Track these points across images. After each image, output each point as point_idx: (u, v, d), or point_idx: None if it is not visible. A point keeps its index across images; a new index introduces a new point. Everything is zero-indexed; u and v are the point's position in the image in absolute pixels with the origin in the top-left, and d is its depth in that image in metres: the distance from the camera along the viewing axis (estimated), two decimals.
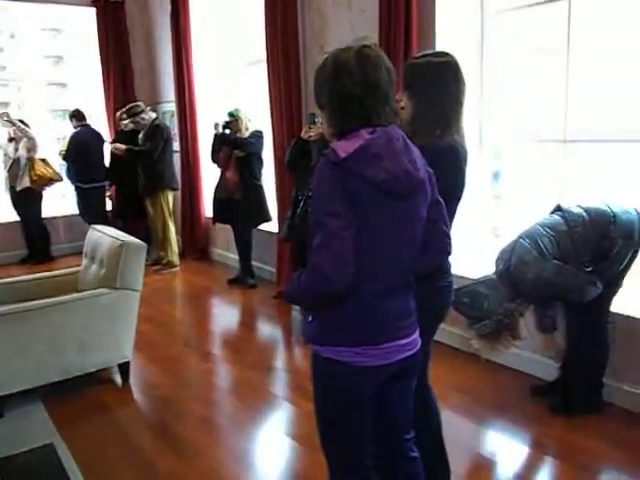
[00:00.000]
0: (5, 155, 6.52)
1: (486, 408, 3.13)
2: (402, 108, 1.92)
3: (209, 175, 6.22)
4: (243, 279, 5.55)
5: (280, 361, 4.06)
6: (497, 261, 2.89)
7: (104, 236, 3.58)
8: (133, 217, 6.39)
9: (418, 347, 1.69)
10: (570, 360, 3.08)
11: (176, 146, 6.45)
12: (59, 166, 6.74)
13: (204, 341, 4.36)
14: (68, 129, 6.61)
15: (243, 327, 4.79)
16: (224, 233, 6.19)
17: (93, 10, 6.89)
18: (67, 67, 23.39)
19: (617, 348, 2.99)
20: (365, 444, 1.70)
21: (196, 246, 6.68)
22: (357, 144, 1.45)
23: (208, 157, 5.47)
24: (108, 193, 6.60)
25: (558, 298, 2.88)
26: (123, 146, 5.83)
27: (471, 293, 2.77)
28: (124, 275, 3.36)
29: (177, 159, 6.47)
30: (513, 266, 2.75)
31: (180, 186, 6.45)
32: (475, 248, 3.79)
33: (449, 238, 1.73)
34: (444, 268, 2.00)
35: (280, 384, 3.68)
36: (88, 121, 6.55)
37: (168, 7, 6.33)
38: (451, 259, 1.98)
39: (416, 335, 1.68)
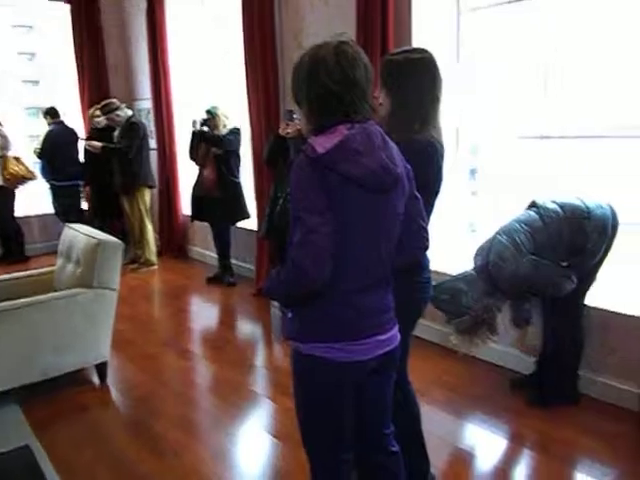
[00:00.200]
0: None
1: (465, 402, 3.17)
2: (380, 104, 1.93)
3: (187, 173, 6.17)
4: (222, 277, 5.53)
5: (260, 359, 4.05)
6: (475, 257, 2.92)
7: (80, 235, 3.53)
8: (109, 215, 6.30)
9: (397, 342, 1.70)
10: (546, 353, 3.13)
11: (153, 144, 6.38)
12: (33, 164, 6.63)
13: (183, 340, 4.33)
14: (42, 127, 6.50)
15: (222, 325, 4.77)
16: (202, 231, 6.15)
17: (67, 6, 6.78)
18: (41, 64, 23.01)
19: (592, 340, 3.05)
20: (345, 439, 1.70)
21: (174, 244, 6.63)
22: (335, 140, 1.45)
23: (186, 154, 5.43)
24: (83, 192, 6.49)
25: (535, 293, 2.92)
26: (99, 144, 5.75)
27: (450, 290, 2.80)
28: (101, 274, 3.32)
29: (154, 157, 6.40)
30: (491, 263, 2.78)
31: (157, 184, 6.39)
32: (452, 244, 3.83)
33: (427, 233, 1.74)
34: (422, 264, 2.01)
35: (260, 382, 3.67)
36: (63, 118, 6.46)
37: (143, 3, 6.26)
38: (429, 254, 2.00)
39: (395, 330, 1.69)
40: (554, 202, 2.86)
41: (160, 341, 4.22)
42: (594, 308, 3.04)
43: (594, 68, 3.31)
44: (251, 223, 5.32)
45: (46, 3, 7.01)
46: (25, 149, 6.92)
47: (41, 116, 6.58)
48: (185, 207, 6.36)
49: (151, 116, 6.59)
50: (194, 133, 5.19)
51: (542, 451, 2.70)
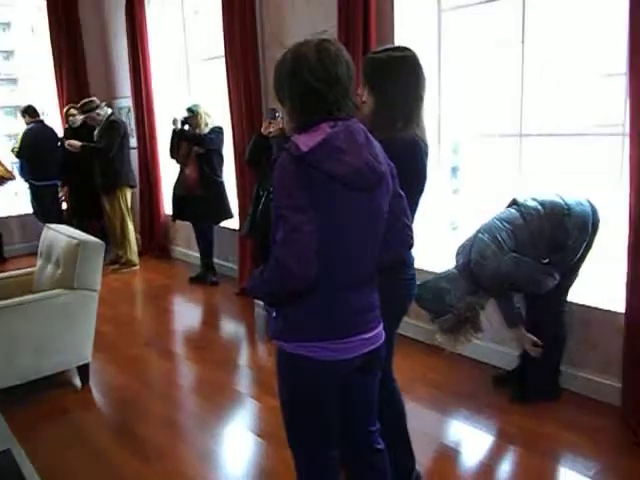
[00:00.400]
0: None
1: (449, 398, 3.18)
2: (363, 102, 1.92)
3: (168, 172, 6.12)
4: (205, 277, 5.49)
5: (243, 358, 4.04)
6: (457, 256, 2.94)
7: (60, 235, 3.48)
8: (87, 216, 6.22)
9: (382, 340, 1.70)
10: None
11: (133, 142, 6.31)
12: (11, 164, 6.52)
13: (166, 340, 4.29)
14: (20, 126, 6.40)
15: (206, 325, 4.74)
16: (184, 230, 6.11)
17: (44, 2, 6.68)
18: (18, 62, 22.63)
19: (574, 336, 3.08)
20: (331, 437, 1.70)
21: (156, 244, 6.57)
22: (319, 138, 1.45)
23: (167, 153, 5.38)
24: (60, 193, 6.38)
25: (517, 290, 2.95)
26: (78, 143, 5.66)
27: (433, 288, 2.81)
28: (81, 275, 3.27)
29: (135, 156, 6.35)
30: (473, 261, 2.80)
31: (138, 183, 6.33)
32: (434, 241, 3.84)
33: (411, 231, 1.74)
34: (407, 261, 2.01)
35: (244, 381, 3.66)
36: (42, 117, 6.36)
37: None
38: (413, 252, 2.00)
39: (380, 328, 1.69)
40: (534, 199, 2.88)
41: (143, 342, 4.18)
42: (575, 304, 3.07)
43: (572, 65, 3.35)
44: (234, 222, 5.30)
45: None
46: (2, 149, 6.79)
47: (19, 115, 6.48)
48: (167, 206, 6.31)
49: (131, 114, 6.52)
50: (175, 132, 5.15)
51: (526, 446, 2.72)
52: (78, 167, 5.93)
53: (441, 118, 3.87)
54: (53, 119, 6.80)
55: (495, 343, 3.45)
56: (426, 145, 1.95)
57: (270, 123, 4.09)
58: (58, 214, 6.27)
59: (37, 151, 6.09)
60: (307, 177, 1.44)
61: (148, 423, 3.05)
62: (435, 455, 2.73)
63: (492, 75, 3.74)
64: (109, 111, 5.86)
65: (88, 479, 2.61)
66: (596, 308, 3.03)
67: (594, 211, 2.85)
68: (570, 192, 2.91)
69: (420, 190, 1.97)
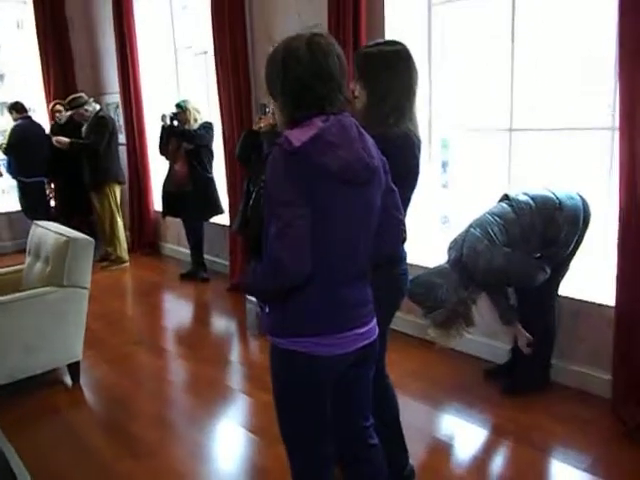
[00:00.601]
0: None
1: (441, 393, 3.19)
2: (355, 97, 1.91)
3: (157, 168, 6.08)
4: (195, 273, 5.47)
5: (235, 354, 4.03)
6: (449, 250, 2.94)
7: (49, 232, 3.44)
8: (75, 212, 6.16)
9: (376, 335, 1.70)
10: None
11: (122, 139, 6.26)
12: None
13: (157, 338, 4.27)
14: (7, 122, 6.32)
15: (197, 322, 4.72)
16: (174, 227, 6.08)
17: None
18: (4, 58, 22.35)
19: (564, 329, 3.10)
20: (325, 433, 1.70)
21: (146, 241, 6.53)
22: (311, 133, 1.44)
23: (156, 149, 5.35)
24: (48, 190, 6.32)
25: (509, 284, 2.96)
26: (66, 139, 5.61)
27: (426, 283, 2.81)
28: (71, 272, 3.24)
29: (123, 152, 6.29)
30: (465, 255, 2.80)
31: (127, 180, 6.29)
32: (424, 236, 3.85)
33: (404, 226, 1.74)
34: (399, 256, 2.01)
35: (236, 377, 3.65)
36: (30, 113, 6.30)
37: None
38: (405, 247, 2.00)
39: (373, 323, 1.68)
40: (526, 194, 2.89)
41: (134, 339, 4.15)
42: (565, 297, 3.09)
43: (562, 60, 3.36)
44: (224, 218, 5.28)
45: None
46: None
47: (5, 112, 6.41)
48: (157, 203, 6.27)
49: (120, 110, 6.47)
50: (164, 128, 5.11)
51: (517, 439, 2.74)
52: (66, 164, 5.88)
53: (432, 113, 3.87)
54: (40, 115, 6.72)
55: (486, 337, 3.47)
56: (419, 140, 1.95)
57: (260, 119, 4.08)
58: (47, 211, 6.21)
59: (26, 148, 6.02)
60: (300, 172, 1.43)
61: (139, 421, 3.04)
62: (428, 449, 2.74)
63: (482, 70, 3.74)
64: (97, 107, 5.81)
65: (79, 477, 2.59)
66: (586, 301, 3.05)
67: (585, 205, 2.86)
68: (561, 186, 2.92)
69: (413, 185, 1.97)
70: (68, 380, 3.46)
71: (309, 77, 1.47)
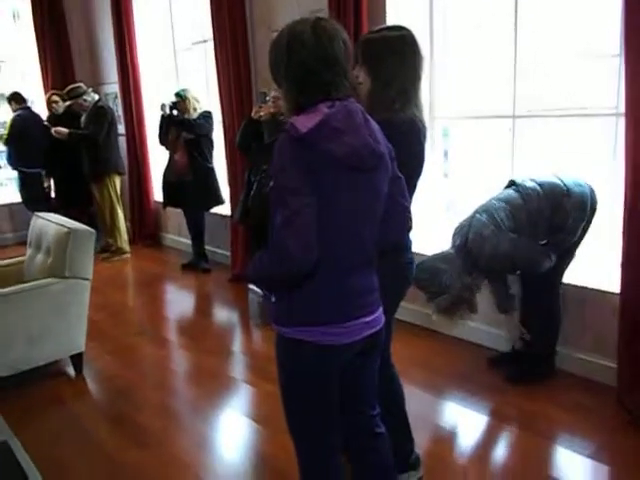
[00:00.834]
0: None
1: (445, 381, 3.19)
2: (360, 83, 1.88)
3: (157, 158, 6.05)
4: (197, 264, 5.45)
5: (238, 344, 4.02)
6: (454, 236, 2.92)
7: (50, 224, 3.43)
8: (76, 204, 6.13)
9: (382, 324, 1.68)
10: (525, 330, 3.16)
11: (121, 129, 6.22)
12: None
13: (159, 328, 4.26)
14: (6, 113, 6.29)
15: (199, 312, 4.71)
16: (175, 217, 6.05)
17: None
18: (0, 48, 22.18)
19: (569, 317, 3.09)
20: (333, 423, 1.69)
21: (146, 232, 6.51)
22: (317, 119, 1.41)
23: (156, 139, 5.32)
24: (46, 184, 6.27)
25: (514, 270, 2.94)
26: (65, 130, 5.57)
27: (430, 269, 2.79)
28: (73, 263, 3.23)
29: (123, 142, 6.26)
30: (471, 240, 2.78)
31: (127, 170, 6.26)
32: (427, 225, 3.83)
33: (410, 213, 1.72)
34: (405, 244, 1.99)
35: (239, 367, 3.64)
36: (29, 104, 6.26)
37: None
38: (410, 235, 1.98)
39: (380, 312, 1.67)
40: (533, 180, 2.87)
41: (136, 330, 4.15)
42: (570, 285, 3.08)
43: (565, 46, 3.33)
44: (225, 208, 5.25)
45: None
46: None
47: (2, 103, 6.37)
48: (157, 193, 6.24)
49: (119, 101, 6.43)
50: (163, 117, 5.08)
51: (522, 427, 2.74)
52: (64, 154, 5.84)
53: (433, 100, 3.83)
54: (39, 106, 6.68)
55: (490, 325, 3.46)
56: (424, 126, 1.92)
57: (260, 107, 4.04)
58: (47, 202, 6.19)
59: (26, 138, 5.99)
60: (306, 159, 1.41)
61: (143, 411, 3.03)
62: (432, 437, 2.74)
63: (485, 55, 3.71)
64: (96, 97, 5.78)
65: (84, 468, 2.59)
66: (591, 289, 3.03)
67: (592, 192, 2.84)
68: (568, 173, 2.90)
69: (418, 172, 1.95)
70: (71, 371, 3.45)
71: (314, 61, 1.45)
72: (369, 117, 1.54)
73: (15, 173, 6.42)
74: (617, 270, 2.80)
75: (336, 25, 1.50)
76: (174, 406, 3.13)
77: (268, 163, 3.87)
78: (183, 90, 5.03)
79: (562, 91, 3.45)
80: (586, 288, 3.05)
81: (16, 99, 6.15)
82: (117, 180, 5.83)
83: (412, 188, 1.89)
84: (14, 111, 6.14)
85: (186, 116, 4.96)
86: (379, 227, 1.60)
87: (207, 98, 5.44)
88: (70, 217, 3.74)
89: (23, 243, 3.86)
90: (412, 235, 2.00)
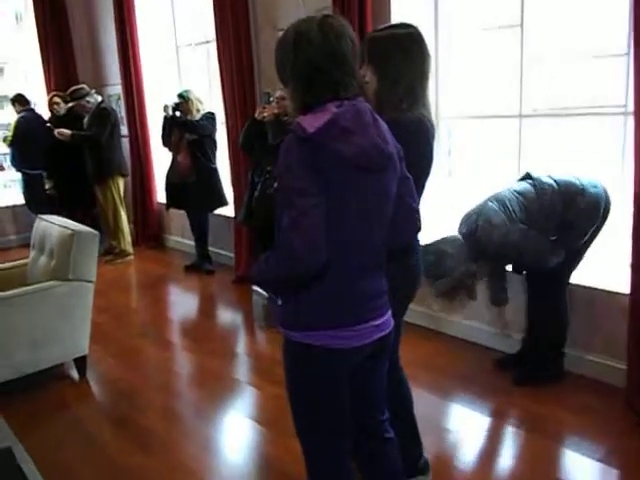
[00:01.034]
0: None
1: (452, 383, 3.16)
2: (366, 83, 1.85)
3: (160, 160, 6.02)
4: (200, 265, 5.43)
5: (242, 346, 3.99)
6: (461, 223, 2.88)
7: (53, 226, 3.40)
8: (79, 206, 6.11)
9: (391, 327, 1.65)
10: (531, 331, 3.13)
11: (124, 130, 6.21)
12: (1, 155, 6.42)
13: (163, 330, 4.24)
14: (9, 115, 6.28)
15: (203, 314, 4.69)
16: (179, 219, 6.03)
17: None
18: (3, 51, 22.22)
19: (578, 318, 3.05)
20: (343, 428, 1.66)
21: (150, 233, 6.49)
22: (325, 118, 1.38)
23: (159, 141, 5.30)
24: (47, 186, 6.25)
25: (521, 264, 2.92)
26: (68, 131, 5.55)
27: (437, 251, 2.73)
28: (76, 266, 3.20)
29: (126, 144, 6.24)
30: (480, 227, 2.75)
31: (130, 172, 6.24)
32: (431, 224, 3.79)
33: (418, 214, 1.69)
34: (414, 246, 1.96)
35: (243, 369, 3.61)
36: (32, 106, 6.25)
37: None
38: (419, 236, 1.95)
39: (389, 315, 1.64)
40: (549, 177, 2.85)
41: (140, 333, 4.12)
42: (579, 285, 3.04)
43: (572, 46, 3.30)
44: (228, 209, 5.23)
45: None
46: None
47: (5, 105, 6.36)
48: (160, 195, 6.22)
49: (122, 102, 6.41)
50: (166, 118, 5.06)
51: (531, 430, 2.70)
52: (65, 156, 5.82)
53: (439, 99, 3.80)
54: (41, 108, 6.67)
55: (496, 327, 3.41)
56: (432, 126, 1.89)
57: (264, 108, 4.02)
58: (49, 204, 6.16)
59: (30, 140, 5.99)
60: (314, 159, 1.38)
61: (147, 414, 3.01)
62: (439, 440, 2.70)
63: (490, 54, 3.68)
64: (99, 98, 5.76)
65: (89, 473, 2.56)
66: (600, 289, 3.00)
67: (607, 195, 2.82)
68: (585, 173, 2.88)
69: (427, 172, 1.92)
70: (75, 374, 3.43)
71: (321, 59, 1.42)
72: (378, 117, 1.51)
73: (19, 175, 6.41)
74: (627, 271, 2.76)
75: (343, 22, 1.48)
76: (178, 409, 3.10)
77: (272, 164, 3.88)
78: (186, 91, 5.01)
79: (568, 90, 3.41)
80: (595, 289, 3.01)
81: (20, 101, 6.15)
82: (120, 182, 5.81)
83: (420, 189, 1.86)
84: (18, 113, 6.14)
85: (189, 117, 4.94)
86: (388, 229, 1.57)
87: (210, 99, 5.42)
88: (74, 219, 3.72)
89: (26, 245, 3.84)
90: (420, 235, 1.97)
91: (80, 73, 6.83)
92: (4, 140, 6.17)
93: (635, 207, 2.65)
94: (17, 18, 7.40)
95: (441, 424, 2.84)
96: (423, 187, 1.92)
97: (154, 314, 4.64)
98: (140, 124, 6.20)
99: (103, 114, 5.54)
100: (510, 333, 3.08)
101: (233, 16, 4.51)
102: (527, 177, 2.91)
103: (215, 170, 5.12)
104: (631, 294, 2.75)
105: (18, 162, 6.20)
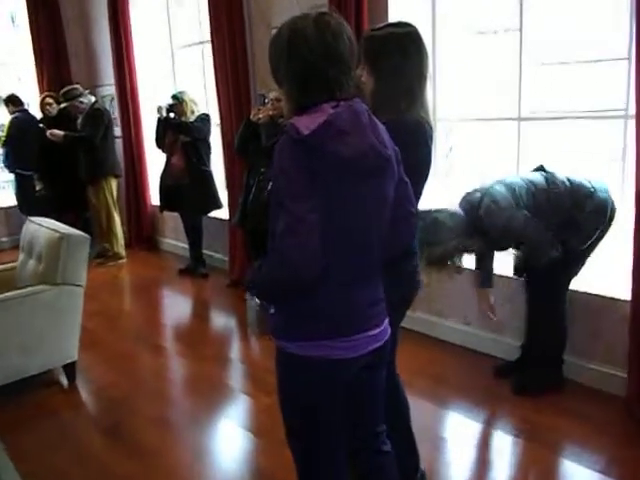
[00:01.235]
0: None
1: (449, 391, 3.10)
2: (363, 83, 1.79)
3: (155, 161, 5.95)
4: (194, 269, 5.35)
5: (236, 352, 3.92)
6: (463, 199, 2.84)
7: (42, 228, 3.33)
8: (71, 208, 6.03)
9: (388, 337, 1.59)
10: (530, 338, 3.08)
11: (118, 131, 6.13)
12: None
13: (156, 335, 4.16)
14: (3, 116, 6.21)
15: (196, 319, 4.61)
16: (172, 221, 5.95)
17: None
18: None
19: (578, 325, 3.00)
20: (337, 442, 1.59)
21: (143, 236, 6.41)
22: (320, 119, 1.32)
23: (153, 142, 5.23)
24: (38, 187, 6.17)
25: (518, 248, 2.90)
26: (60, 132, 5.48)
27: (436, 221, 2.66)
28: (65, 270, 3.13)
29: (119, 145, 6.17)
30: (485, 206, 2.70)
31: (124, 173, 6.16)
32: None
33: (416, 219, 1.63)
34: (412, 251, 1.90)
35: (237, 376, 3.55)
36: (25, 106, 6.18)
37: None
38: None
39: (386, 324, 1.58)
40: (563, 174, 2.82)
41: (131, 338, 4.04)
42: (579, 292, 2.99)
43: (571, 49, 3.26)
44: (223, 213, 5.16)
45: None
46: None
47: (0, 105, 6.29)
48: (154, 197, 6.15)
49: (115, 103, 6.33)
50: (160, 120, 4.99)
51: (530, 439, 2.64)
52: (57, 157, 5.74)
53: (437, 101, 3.75)
54: (34, 109, 6.60)
55: (495, 333, 3.37)
56: (431, 128, 1.83)
57: (259, 109, 3.96)
58: (42, 206, 6.08)
59: (24, 141, 5.90)
60: (309, 162, 1.31)
61: (138, 422, 2.93)
62: (436, 450, 2.63)
63: (489, 57, 3.63)
64: (92, 99, 5.69)
65: None
66: (601, 296, 2.95)
67: (612, 204, 2.78)
68: (598, 179, 2.84)
69: (425, 175, 1.85)
70: (64, 380, 3.35)
71: (317, 58, 1.35)
72: (375, 118, 1.45)
73: (12, 176, 6.33)
74: (627, 277, 2.71)
75: (340, 20, 1.41)
76: (170, 417, 3.03)
77: (266, 166, 3.82)
78: (180, 92, 4.95)
79: (567, 94, 3.38)
80: (595, 295, 2.96)
81: (13, 101, 6.07)
82: (114, 183, 5.73)
83: (418, 193, 1.79)
84: (11, 114, 6.06)
85: (183, 119, 4.88)
86: (385, 235, 1.51)
87: (205, 100, 5.35)
88: (65, 222, 3.65)
89: (18, 248, 3.76)
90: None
91: (74, 74, 6.74)
92: None
93: (636, 211, 2.60)
94: (12, 19, 7.34)
95: (438, 433, 2.78)
96: (421, 191, 1.85)
97: (147, 318, 4.56)
98: (134, 125, 6.13)
99: (96, 115, 5.47)
100: (494, 317, 3.05)
101: (228, 14, 4.45)
102: (540, 169, 2.88)
103: (209, 172, 5.04)
104: (632, 301, 2.70)
105: (11, 163, 6.12)
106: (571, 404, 2.87)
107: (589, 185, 2.76)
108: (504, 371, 3.17)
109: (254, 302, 3.91)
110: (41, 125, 5.88)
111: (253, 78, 4.59)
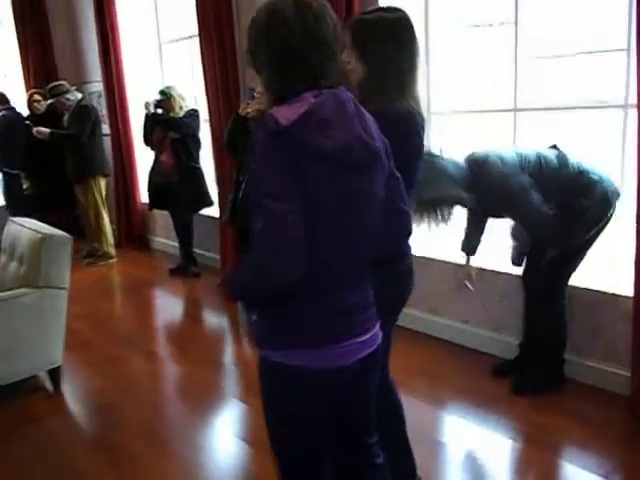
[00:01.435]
0: None
1: (446, 391, 3.02)
2: (350, 69, 1.69)
3: (143, 159, 5.84)
4: (185, 268, 5.25)
5: (228, 355, 3.82)
6: (471, 154, 2.77)
7: (23, 229, 3.22)
8: (58, 207, 5.91)
9: (379, 342, 1.49)
10: (529, 337, 3.00)
11: (106, 129, 6.01)
12: None
13: (145, 338, 4.04)
14: None
15: (188, 320, 4.51)
16: (162, 220, 5.85)
17: None
18: None
19: (578, 322, 2.91)
20: (325, 455, 1.49)
21: (133, 235, 6.30)
22: (301, 109, 1.21)
23: (141, 139, 5.11)
24: (25, 186, 6.04)
25: (510, 216, 2.84)
26: (46, 130, 5.35)
27: (437, 171, 2.57)
28: (48, 272, 3.02)
29: (108, 143, 6.05)
30: (491, 160, 2.65)
31: (112, 172, 6.04)
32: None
33: (409, 217, 1.52)
34: (404, 251, 1.80)
35: (228, 380, 3.45)
36: (12, 104, 6.06)
37: None
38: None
39: (376, 329, 1.47)
40: (574, 157, 2.75)
41: (120, 341, 3.93)
42: (580, 288, 2.90)
43: (567, 40, 3.16)
44: (214, 210, 5.05)
45: None
46: None
47: None
48: (143, 195, 6.03)
49: (102, 100, 6.21)
50: (147, 116, 4.88)
51: (531, 441, 2.56)
52: (45, 155, 5.62)
53: (430, 92, 3.65)
54: (20, 107, 6.47)
55: (493, 331, 3.29)
56: (423, 119, 1.72)
57: (248, 103, 3.85)
58: (29, 205, 5.96)
59: (12, 139, 5.79)
60: (289, 157, 1.21)
61: (126, 430, 2.82)
62: (433, 454, 2.54)
63: (483, 45, 3.54)
64: (79, 96, 5.57)
65: None
66: (602, 292, 2.86)
67: (618, 195, 2.71)
68: (609, 174, 2.77)
69: (416, 168, 1.75)
70: (49, 386, 3.24)
71: (298, 42, 1.24)
72: (362, 108, 1.34)
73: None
74: (630, 272, 2.61)
75: (323, 2, 1.30)
76: (160, 425, 2.92)
77: None
78: (168, 87, 4.84)
79: (564, 84, 3.29)
80: (597, 291, 2.87)
81: (0, 100, 5.95)
82: (102, 182, 5.62)
83: (410, 188, 1.68)
84: None
85: (171, 114, 4.76)
86: (375, 234, 1.40)
87: (193, 96, 5.24)
88: (48, 222, 3.54)
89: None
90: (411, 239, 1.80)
91: (60, 70, 6.63)
92: None
93: (638, 205, 2.51)
94: None
95: (434, 436, 2.69)
96: (413, 186, 1.74)
97: (137, 320, 4.46)
98: (122, 122, 6.01)
99: (84, 112, 5.36)
100: (472, 288, 3.02)
101: (215, 7, 4.34)
102: (554, 147, 2.81)
103: (199, 169, 4.94)
104: (635, 297, 2.60)
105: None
106: (572, 404, 2.78)
107: (597, 173, 2.69)
108: (502, 370, 3.08)
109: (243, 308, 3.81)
110: (27, 122, 5.77)
111: (242, 72, 4.48)
